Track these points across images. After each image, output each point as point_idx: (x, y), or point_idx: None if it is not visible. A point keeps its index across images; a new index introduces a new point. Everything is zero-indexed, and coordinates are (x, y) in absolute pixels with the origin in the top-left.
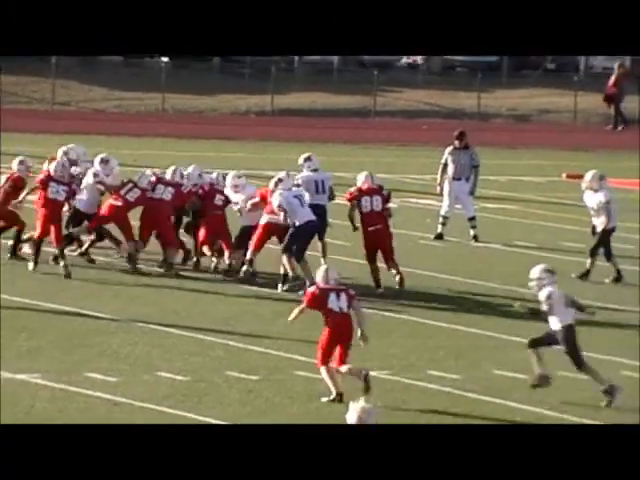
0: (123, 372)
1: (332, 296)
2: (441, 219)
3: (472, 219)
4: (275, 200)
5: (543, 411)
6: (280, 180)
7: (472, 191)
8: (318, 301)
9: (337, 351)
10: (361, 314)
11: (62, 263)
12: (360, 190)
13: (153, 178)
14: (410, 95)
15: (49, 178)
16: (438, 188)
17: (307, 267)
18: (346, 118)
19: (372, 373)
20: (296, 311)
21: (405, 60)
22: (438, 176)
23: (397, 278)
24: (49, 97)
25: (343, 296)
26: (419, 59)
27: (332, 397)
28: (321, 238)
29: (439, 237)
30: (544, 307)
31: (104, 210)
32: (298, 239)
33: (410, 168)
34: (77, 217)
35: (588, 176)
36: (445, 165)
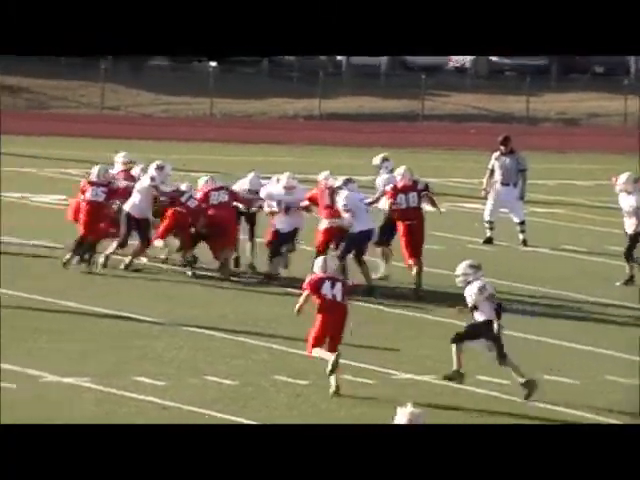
0: (170, 376)
1: (327, 283)
2: (487, 224)
3: (521, 224)
4: (341, 200)
5: (593, 415)
6: (349, 180)
7: (522, 196)
8: (313, 286)
9: (327, 340)
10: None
11: (96, 260)
12: (396, 188)
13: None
14: (458, 99)
15: (88, 184)
16: (483, 192)
17: (366, 270)
18: (393, 122)
19: (420, 378)
20: (301, 300)
21: (453, 64)
22: (484, 181)
23: (414, 271)
24: (98, 102)
25: (338, 285)
26: (467, 63)
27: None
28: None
29: (488, 241)
30: (469, 302)
31: (169, 219)
32: (354, 246)
33: (458, 172)
34: (129, 222)
35: (622, 178)
36: (492, 171)
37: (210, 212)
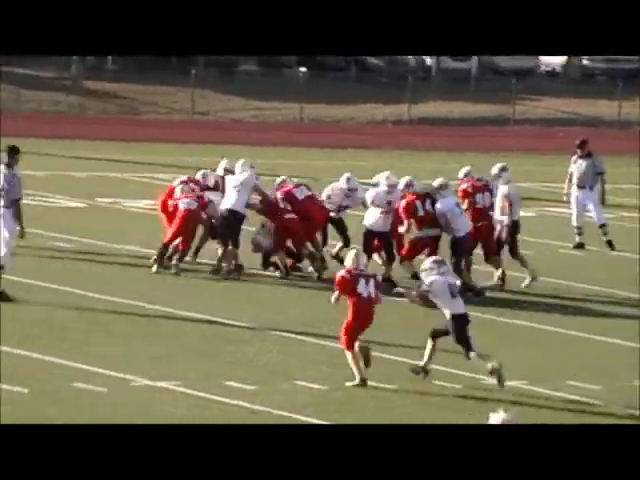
0: (260, 380)
1: (362, 281)
2: (575, 229)
3: (603, 226)
4: (439, 205)
5: None
6: (443, 186)
7: (602, 199)
8: (348, 285)
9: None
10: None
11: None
12: (474, 187)
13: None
14: (549, 103)
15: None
16: (565, 197)
17: (468, 275)
18: (483, 127)
19: (511, 383)
20: (334, 297)
21: (544, 68)
22: (565, 185)
23: (498, 274)
24: (188, 107)
25: (372, 282)
26: (558, 67)
27: (356, 382)
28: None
29: (580, 246)
30: (430, 296)
31: (288, 227)
32: (460, 251)
33: (548, 176)
34: (229, 219)
35: None
36: (571, 174)
37: (299, 206)
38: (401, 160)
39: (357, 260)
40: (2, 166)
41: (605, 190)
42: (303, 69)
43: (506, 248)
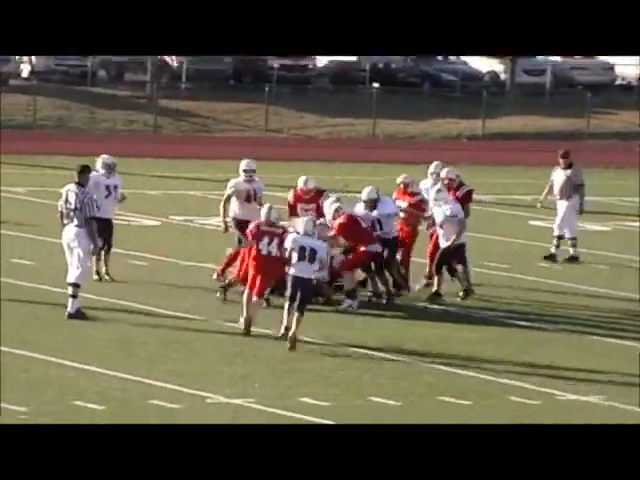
0: (335, 397)
1: (265, 239)
2: (555, 240)
3: (572, 239)
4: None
5: None
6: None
7: (580, 210)
8: (253, 238)
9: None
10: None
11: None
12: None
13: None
14: (624, 117)
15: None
16: (538, 205)
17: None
18: (558, 141)
19: (588, 398)
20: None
21: (619, 81)
22: (542, 195)
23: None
24: (262, 124)
25: (275, 240)
26: (634, 80)
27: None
28: None
29: (551, 257)
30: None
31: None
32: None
33: (623, 190)
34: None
35: None
36: (552, 184)
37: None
38: (477, 175)
39: (268, 214)
40: (73, 185)
41: (584, 202)
42: (376, 85)
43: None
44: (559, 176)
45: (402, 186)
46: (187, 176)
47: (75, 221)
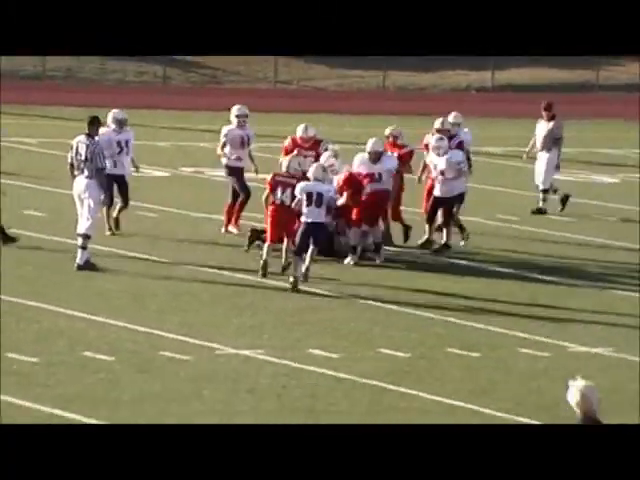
0: (345, 348)
1: (279, 189)
2: (541, 193)
3: (544, 191)
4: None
5: None
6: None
7: (557, 164)
8: (270, 188)
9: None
10: None
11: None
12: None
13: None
14: (633, 68)
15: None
16: (524, 156)
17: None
18: (568, 93)
19: (598, 350)
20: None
21: None
22: (528, 147)
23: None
24: (271, 76)
25: (288, 190)
26: None
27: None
28: None
29: (540, 212)
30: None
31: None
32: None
33: (634, 143)
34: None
35: None
36: (535, 137)
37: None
38: (486, 128)
39: (288, 164)
40: (83, 137)
41: (560, 155)
42: None
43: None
44: (542, 128)
45: (391, 138)
46: (197, 128)
47: (85, 172)
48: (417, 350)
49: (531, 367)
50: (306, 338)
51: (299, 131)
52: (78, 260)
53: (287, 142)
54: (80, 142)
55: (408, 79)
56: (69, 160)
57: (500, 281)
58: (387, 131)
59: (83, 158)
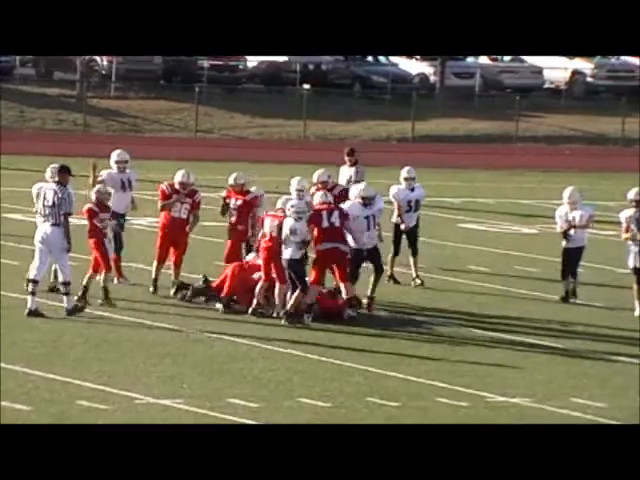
0: (265, 398)
1: (177, 205)
2: None
3: None
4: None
5: None
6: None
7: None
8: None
9: None
10: None
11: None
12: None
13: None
14: (553, 120)
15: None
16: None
17: None
18: (487, 144)
19: (516, 400)
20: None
21: (548, 85)
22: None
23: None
24: (192, 125)
25: (185, 205)
26: (561, 84)
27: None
28: None
29: None
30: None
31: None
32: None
33: (552, 193)
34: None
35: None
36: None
37: None
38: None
39: (187, 176)
40: (51, 183)
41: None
42: (307, 86)
43: None
44: (345, 173)
45: (320, 185)
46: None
47: (50, 219)
48: (337, 399)
49: (450, 416)
50: (226, 387)
51: (178, 177)
52: (66, 306)
53: (164, 187)
54: (47, 189)
55: (329, 129)
56: (35, 208)
57: (420, 330)
58: (315, 178)
59: (50, 204)
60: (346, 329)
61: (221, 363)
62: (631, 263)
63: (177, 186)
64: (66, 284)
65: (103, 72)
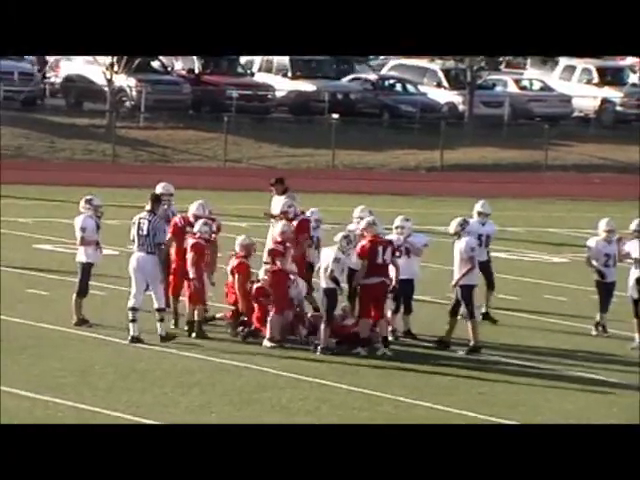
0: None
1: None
2: None
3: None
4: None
5: None
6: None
7: None
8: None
9: None
10: None
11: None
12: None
13: None
14: (582, 149)
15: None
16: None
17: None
18: (516, 173)
19: None
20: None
21: (577, 113)
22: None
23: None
24: (221, 154)
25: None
26: (591, 112)
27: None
28: None
29: None
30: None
31: None
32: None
33: (582, 222)
34: None
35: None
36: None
37: None
38: (434, 207)
39: (202, 209)
40: (145, 213)
41: None
42: (335, 115)
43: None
44: (278, 202)
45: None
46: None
47: (146, 247)
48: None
49: None
50: (254, 417)
51: (193, 209)
52: (159, 331)
53: (177, 219)
54: (142, 218)
55: (357, 158)
56: (131, 237)
57: (448, 359)
58: (356, 212)
59: (145, 233)
60: (374, 360)
61: (250, 392)
62: (630, 291)
63: (191, 219)
64: (160, 310)
65: (132, 102)
